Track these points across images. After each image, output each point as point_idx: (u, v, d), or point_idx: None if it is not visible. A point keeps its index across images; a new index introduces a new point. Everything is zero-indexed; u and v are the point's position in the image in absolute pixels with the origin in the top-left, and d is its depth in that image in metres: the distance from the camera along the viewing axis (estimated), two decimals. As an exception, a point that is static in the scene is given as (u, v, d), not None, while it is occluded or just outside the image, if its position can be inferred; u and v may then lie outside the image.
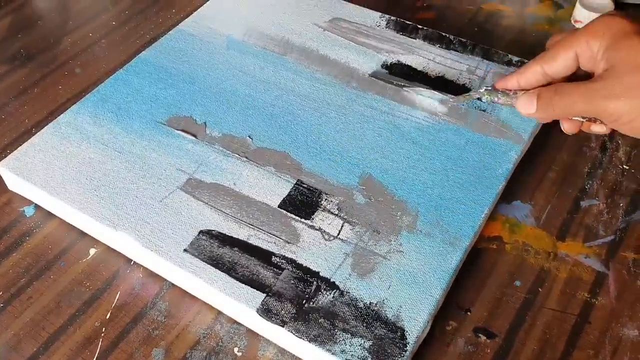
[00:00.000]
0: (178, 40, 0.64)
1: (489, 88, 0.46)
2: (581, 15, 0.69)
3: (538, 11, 0.72)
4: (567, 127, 0.45)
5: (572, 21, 0.70)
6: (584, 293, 0.48)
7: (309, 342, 0.42)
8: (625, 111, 0.38)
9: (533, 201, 0.53)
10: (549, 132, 0.57)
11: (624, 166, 0.56)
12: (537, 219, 0.52)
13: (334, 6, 0.67)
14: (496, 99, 0.46)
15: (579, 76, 0.43)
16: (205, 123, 0.56)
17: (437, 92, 0.56)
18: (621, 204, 0.53)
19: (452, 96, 0.52)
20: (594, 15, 0.67)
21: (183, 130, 0.55)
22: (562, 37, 0.43)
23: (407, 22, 0.65)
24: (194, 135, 0.55)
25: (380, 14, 0.66)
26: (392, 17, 0.66)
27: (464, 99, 0.50)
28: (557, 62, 0.42)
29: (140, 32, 0.69)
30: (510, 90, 0.45)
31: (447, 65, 0.61)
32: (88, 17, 0.72)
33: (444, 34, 0.64)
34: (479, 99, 0.47)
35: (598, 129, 0.44)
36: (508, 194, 0.53)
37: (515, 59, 0.61)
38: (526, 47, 0.67)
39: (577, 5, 0.69)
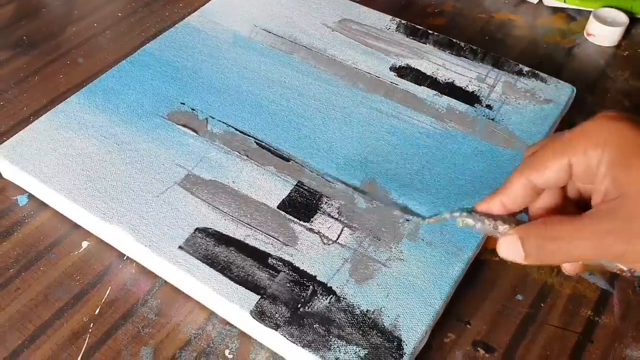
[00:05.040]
0: (184, 34, 0.63)
1: (468, 209, 0.36)
2: (595, 29, 0.67)
3: (550, 22, 0.71)
4: (567, 268, 0.37)
5: (585, 34, 0.69)
6: (587, 311, 0.46)
7: (303, 347, 0.41)
8: None
9: (538, 214, 0.52)
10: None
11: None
12: (542, 233, 0.51)
13: (344, 7, 0.66)
14: (473, 225, 0.36)
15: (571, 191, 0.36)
16: (207, 119, 0.54)
17: (399, 212, 0.47)
18: (629, 222, 0.51)
19: (421, 219, 0.41)
20: (608, 29, 0.66)
21: (184, 125, 0.54)
22: (547, 142, 0.34)
23: (418, 27, 0.64)
24: (195, 131, 0.53)
25: (390, 17, 0.65)
26: (403, 21, 0.65)
27: (434, 221, 0.39)
28: (549, 171, 0.33)
29: (146, 24, 0.68)
30: (495, 215, 0.36)
31: (457, 71, 0.59)
32: (94, 7, 0.71)
33: (454, 40, 0.63)
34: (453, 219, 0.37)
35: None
36: (513, 206, 0.51)
37: (525, 69, 0.60)
38: (537, 58, 0.66)
39: (591, 18, 0.68)
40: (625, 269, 0.34)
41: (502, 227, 0.35)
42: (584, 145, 0.32)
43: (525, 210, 0.37)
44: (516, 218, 0.36)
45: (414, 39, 0.63)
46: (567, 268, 0.37)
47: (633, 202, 0.30)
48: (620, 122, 0.31)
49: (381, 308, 0.43)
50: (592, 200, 0.33)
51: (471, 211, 0.36)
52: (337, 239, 0.47)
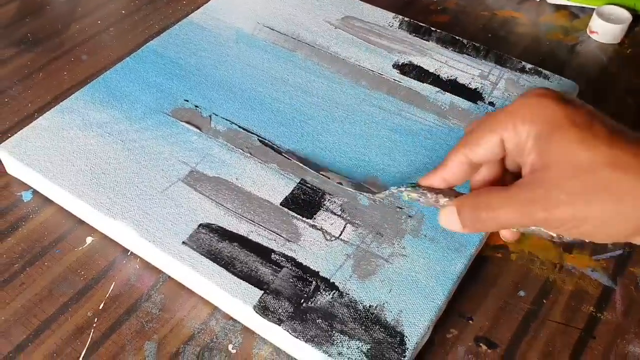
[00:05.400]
0: (187, 31, 0.63)
1: (413, 184, 0.39)
2: (597, 26, 0.67)
3: (553, 20, 0.71)
4: (505, 235, 0.39)
5: (588, 31, 0.69)
6: (589, 307, 0.46)
7: (306, 342, 0.41)
8: (569, 218, 0.32)
9: (541, 211, 0.52)
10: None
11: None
12: (544, 229, 0.51)
13: (347, 4, 0.67)
14: (417, 198, 0.39)
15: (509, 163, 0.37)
16: (210, 116, 0.55)
17: (352, 189, 0.49)
18: (631, 218, 0.52)
19: (371, 195, 0.44)
20: (611, 27, 0.67)
21: (187, 122, 0.54)
22: (482, 120, 0.36)
23: (421, 24, 0.64)
24: (199, 128, 0.54)
25: (393, 14, 0.65)
26: (406, 18, 0.65)
27: (383, 197, 0.42)
28: (481, 147, 0.35)
29: (150, 22, 0.69)
30: (437, 189, 0.38)
31: (460, 69, 0.60)
32: (97, 5, 0.71)
33: (457, 37, 0.63)
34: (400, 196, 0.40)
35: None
36: (516, 203, 0.52)
37: (528, 66, 0.60)
38: (540, 55, 0.66)
39: (594, 15, 0.68)
40: (554, 235, 0.36)
41: (443, 200, 0.38)
42: (514, 122, 0.34)
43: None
44: (456, 191, 0.38)
45: (417, 36, 0.63)
46: (504, 234, 0.39)
47: (553, 173, 0.32)
48: (546, 98, 0.33)
49: (384, 303, 0.43)
50: (522, 172, 0.35)
51: (415, 186, 0.39)
52: (340, 235, 0.47)
